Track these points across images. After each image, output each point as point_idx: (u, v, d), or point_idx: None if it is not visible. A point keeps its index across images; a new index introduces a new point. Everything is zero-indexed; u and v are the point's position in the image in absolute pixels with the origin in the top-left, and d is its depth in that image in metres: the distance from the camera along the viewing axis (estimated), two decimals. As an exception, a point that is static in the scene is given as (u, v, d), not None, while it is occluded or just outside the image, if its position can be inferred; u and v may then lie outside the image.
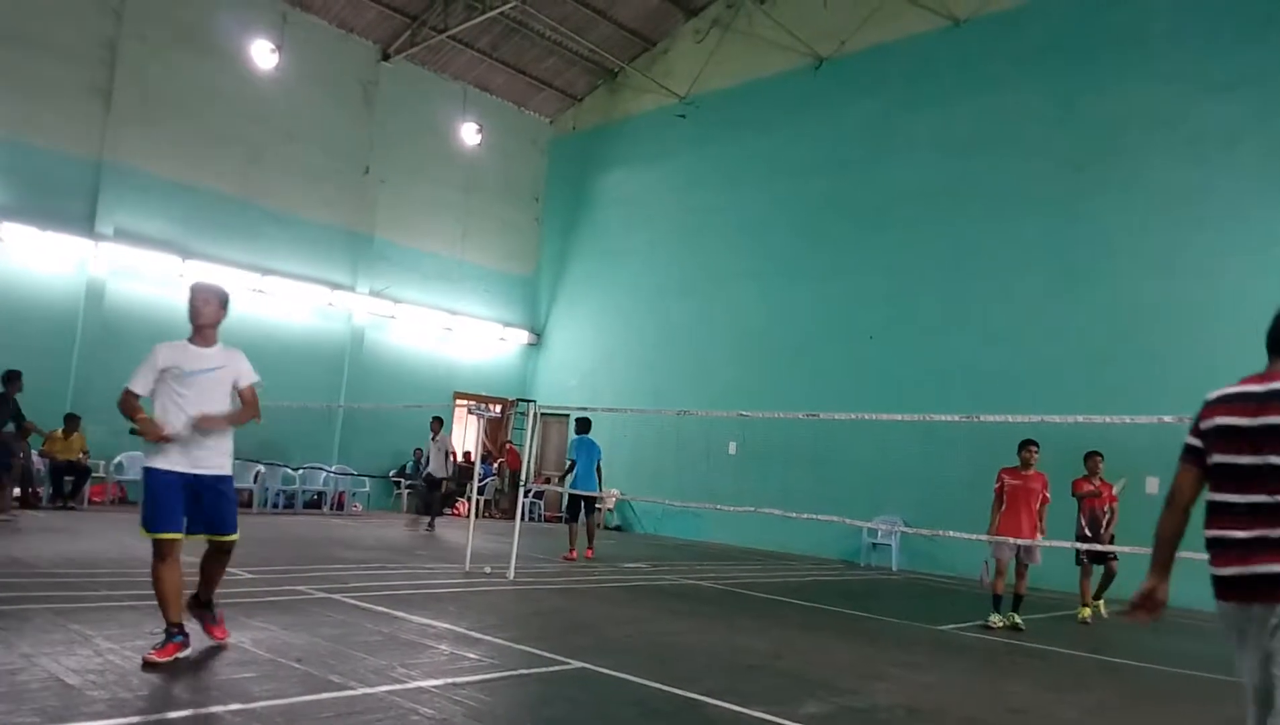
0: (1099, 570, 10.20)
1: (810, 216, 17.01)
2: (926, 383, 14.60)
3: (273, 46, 17.09)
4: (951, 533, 9.13)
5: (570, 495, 12.54)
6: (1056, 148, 14.11)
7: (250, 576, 8.09)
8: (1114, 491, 10.05)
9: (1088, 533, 9.85)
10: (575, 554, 12.01)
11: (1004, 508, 8.88)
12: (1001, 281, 14.40)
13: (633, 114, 20.75)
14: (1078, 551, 9.75)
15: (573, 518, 12.46)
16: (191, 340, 5.28)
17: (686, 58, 19.55)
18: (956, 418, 9.16)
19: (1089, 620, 9.96)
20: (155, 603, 4.92)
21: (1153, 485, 12.25)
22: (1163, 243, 12.95)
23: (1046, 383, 13.42)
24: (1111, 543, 9.81)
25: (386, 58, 18.98)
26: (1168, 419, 8.34)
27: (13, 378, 11.41)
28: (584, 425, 12.63)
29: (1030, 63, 14.61)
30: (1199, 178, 12.78)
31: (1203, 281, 12.54)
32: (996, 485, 9.03)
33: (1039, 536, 8.85)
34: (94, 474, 14.16)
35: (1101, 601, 10.29)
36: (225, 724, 3.84)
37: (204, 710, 3.98)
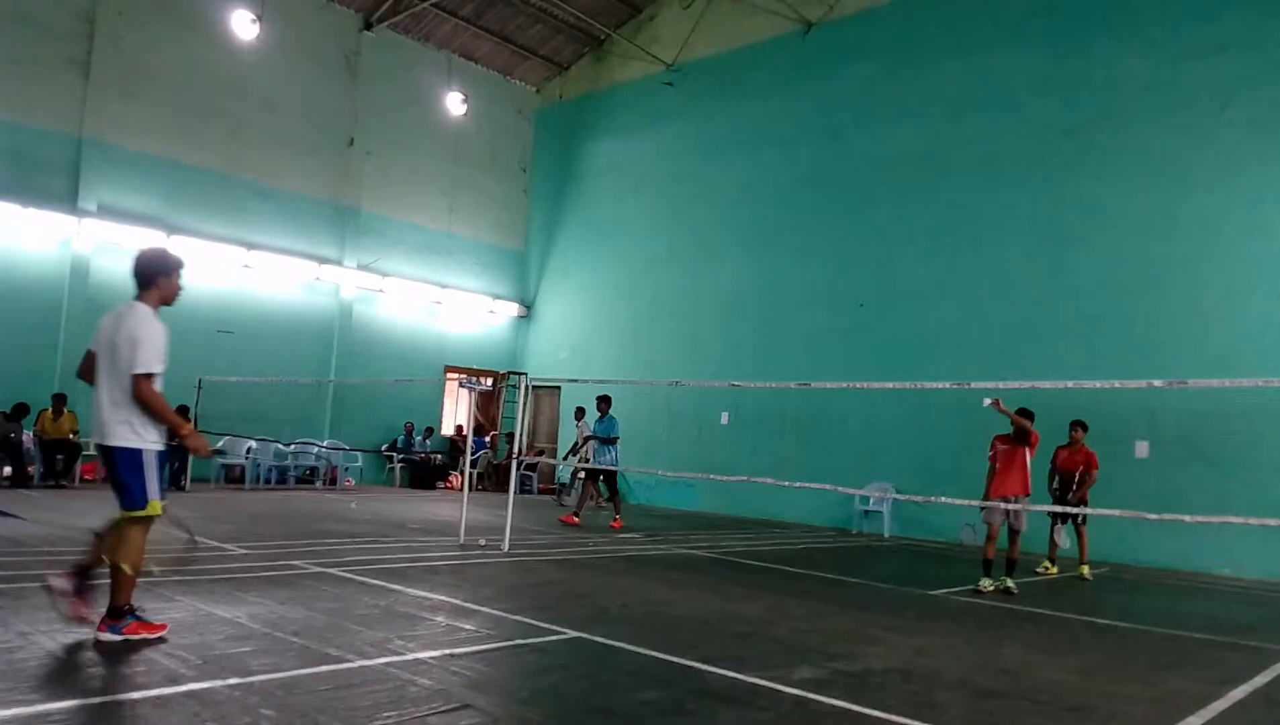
0: (1060, 530, 10.96)
1: (799, 183, 16.94)
2: (917, 350, 14.64)
3: (253, 17, 16.83)
4: (943, 499, 9.19)
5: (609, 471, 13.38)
6: (1046, 112, 14.06)
7: (244, 552, 8.10)
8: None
9: (1057, 493, 10.74)
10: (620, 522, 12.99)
11: (995, 473, 8.97)
12: (991, 247, 14.40)
13: (619, 82, 20.56)
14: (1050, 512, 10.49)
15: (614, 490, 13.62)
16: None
17: (673, 24, 19.35)
18: (947, 385, 9.19)
19: (1088, 577, 10.22)
20: (110, 582, 4.80)
21: (1142, 449, 12.38)
22: (1153, 206, 12.95)
23: (1037, 348, 13.49)
24: (1082, 503, 10.43)
25: (369, 26, 18.72)
26: (1158, 383, 8.40)
27: None
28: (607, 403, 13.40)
29: (1019, 27, 14.51)
30: (1189, 140, 12.76)
31: (1193, 244, 12.57)
32: (990, 453, 9.10)
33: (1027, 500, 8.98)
34: (84, 453, 14.11)
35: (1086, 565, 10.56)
36: (224, 698, 3.85)
37: (202, 685, 3.99)
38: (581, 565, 9.00)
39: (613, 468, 13.05)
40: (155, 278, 5.01)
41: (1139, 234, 13.02)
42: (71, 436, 13.66)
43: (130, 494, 4.81)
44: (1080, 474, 10.58)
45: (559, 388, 20.32)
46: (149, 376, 4.81)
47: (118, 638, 4.67)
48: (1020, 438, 8.89)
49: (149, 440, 4.87)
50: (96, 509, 10.53)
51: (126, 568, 4.78)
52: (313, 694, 4.05)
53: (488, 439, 19.71)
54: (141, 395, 4.77)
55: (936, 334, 14.65)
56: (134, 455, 4.81)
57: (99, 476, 14.57)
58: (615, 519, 13.11)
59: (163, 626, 4.87)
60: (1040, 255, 13.90)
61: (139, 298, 4.99)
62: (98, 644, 4.63)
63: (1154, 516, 7.79)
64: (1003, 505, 8.71)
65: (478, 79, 20.84)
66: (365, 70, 18.76)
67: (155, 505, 4.84)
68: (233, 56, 16.87)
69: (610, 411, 13.29)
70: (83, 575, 4.87)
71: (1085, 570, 10.49)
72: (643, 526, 13.45)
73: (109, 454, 4.84)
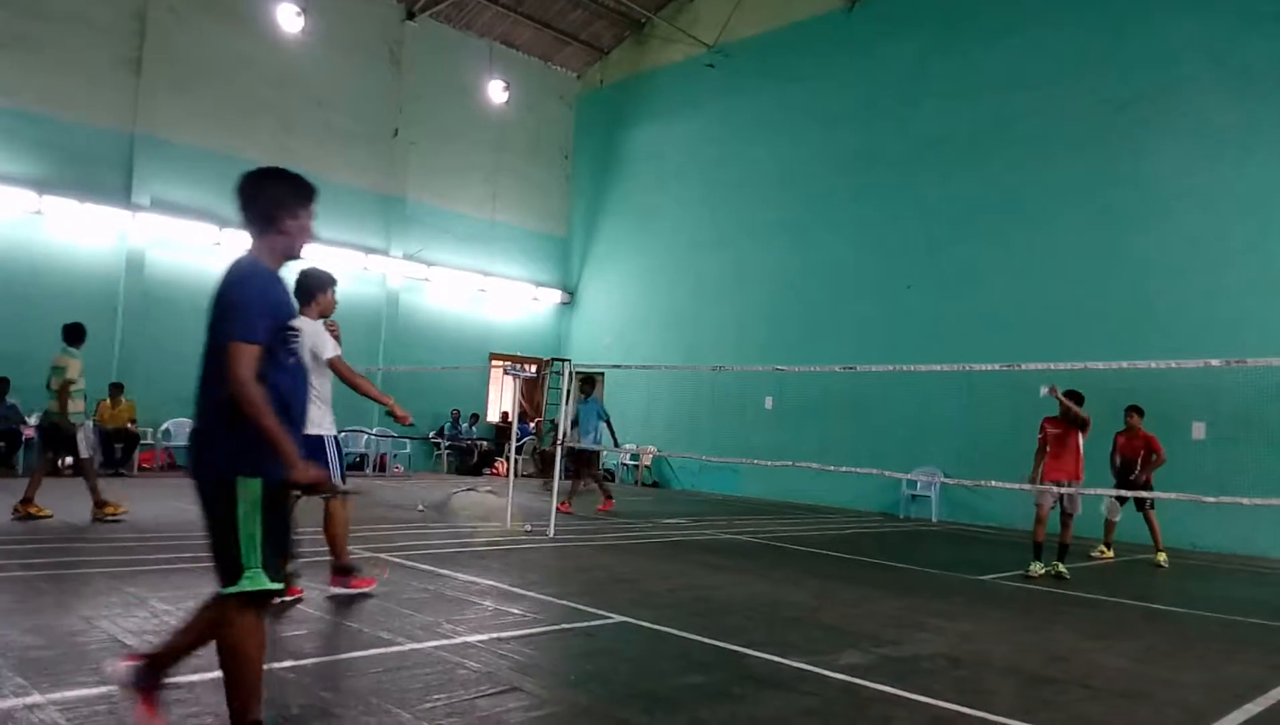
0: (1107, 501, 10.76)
1: (845, 164, 16.72)
2: (966, 332, 14.40)
3: (298, 10, 17.04)
4: (993, 483, 9.06)
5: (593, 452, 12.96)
6: (1099, 86, 13.69)
7: (295, 538, 8.25)
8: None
9: (1115, 479, 10.41)
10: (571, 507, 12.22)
11: (1046, 457, 8.82)
12: (1043, 226, 14.09)
13: (660, 66, 20.46)
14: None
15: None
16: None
17: (714, 5, 19.17)
18: (997, 367, 9.05)
19: (1165, 564, 9.95)
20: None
21: (1199, 431, 12.07)
22: (1210, 180, 12.57)
23: (1089, 328, 13.19)
24: (1146, 487, 10.08)
25: (411, 16, 18.84)
26: (1215, 363, 8.17)
27: None
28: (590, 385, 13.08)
29: (1070, -2, 14.14)
30: (1247, 112, 12.35)
31: (1252, 219, 12.19)
32: (1040, 436, 8.95)
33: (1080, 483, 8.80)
34: (142, 441, 14.50)
35: (1163, 553, 10.22)
36: (280, 681, 3.94)
37: (258, 668, 4.08)
38: (626, 550, 9.04)
39: (595, 447, 12.68)
40: (314, 294, 5.86)
41: (1197, 210, 12.64)
42: (130, 425, 14.03)
43: None
44: (1142, 458, 10.30)
45: (602, 374, 20.39)
46: (341, 356, 5.89)
47: (345, 592, 5.83)
48: (1072, 421, 8.73)
49: (326, 427, 5.76)
50: (157, 497, 10.84)
51: (339, 534, 5.84)
52: (366, 676, 4.14)
53: (532, 426, 19.85)
54: (343, 375, 5.90)
55: (986, 316, 14.40)
56: (318, 442, 5.61)
57: (157, 464, 14.99)
58: (604, 502, 12.77)
59: (372, 582, 6.01)
60: (1093, 234, 13.57)
61: (301, 312, 5.50)
62: (332, 598, 5.74)
63: (1211, 499, 7.60)
64: (1056, 489, 8.57)
65: (519, 66, 20.88)
66: (408, 60, 18.91)
67: (338, 485, 5.75)
68: (279, 50, 17.11)
69: (593, 394, 12.99)
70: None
71: (1162, 558, 10.04)
72: (687, 512, 13.46)
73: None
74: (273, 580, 2.93)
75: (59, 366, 8.93)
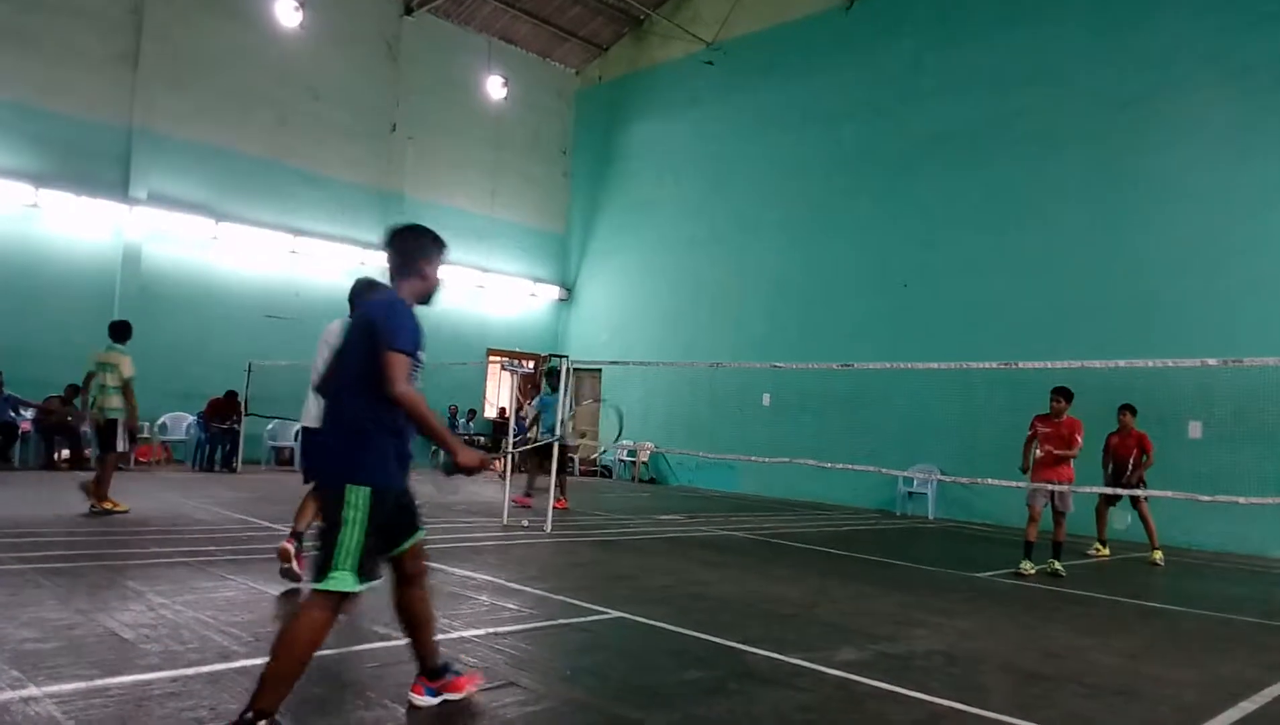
0: (1113, 512, 10.70)
1: (843, 162, 16.72)
2: (963, 330, 14.42)
3: (296, 4, 17.00)
4: (990, 480, 9.07)
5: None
6: (1099, 84, 13.69)
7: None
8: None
9: (1110, 479, 10.41)
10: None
11: (1038, 456, 8.80)
12: (1041, 224, 14.10)
13: (659, 62, 20.44)
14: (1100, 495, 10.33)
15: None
16: None
17: (714, 2, 19.16)
18: (994, 365, 9.06)
19: (1160, 562, 9.97)
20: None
21: (1195, 429, 12.09)
22: (1209, 180, 12.58)
23: (1087, 327, 13.20)
24: (1139, 486, 10.12)
25: (409, 11, 18.80)
26: (1212, 362, 8.19)
27: None
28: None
29: (1070, -4, 14.14)
30: (1249, 110, 12.36)
31: (1250, 219, 12.20)
32: (1030, 433, 8.94)
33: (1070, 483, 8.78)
34: (140, 436, 14.46)
35: (1159, 551, 10.23)
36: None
37: (254, 662, 4.08)
38: (623, 546, 9.04)
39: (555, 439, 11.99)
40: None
41: (1196, 209, 12.65)
42: (127, 420, 13.99)
43: None
44: (1135, 457, 10.35)
45: (600, 370, 20.39)
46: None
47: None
48: (1066, 425, 8.70)
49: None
50: (153, 491, 10.83)
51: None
52: (361, 670, 4.14)
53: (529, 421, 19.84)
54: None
55: (983, 313, 14.41)
56: None
57: (154, 459, 14.97)
58: (560, 499, 11.54)
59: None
60: (1092, 232, 13.58)
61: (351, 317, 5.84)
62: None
63: (1207, 498, 7.62)
64: (1047, 486, 8.57)
65: (518, 62, 20.85)
66: (406, 56, 18.87)
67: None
68: (277, 45, 17.07)
69: (554, 388, 12.08)
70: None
71: (1158, 555, 10.09)
72: (684, 508, 13.46)
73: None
74: (364, 582, 3.21)
75: (111, 363, 9.03)
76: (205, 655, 4.15)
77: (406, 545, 3.50)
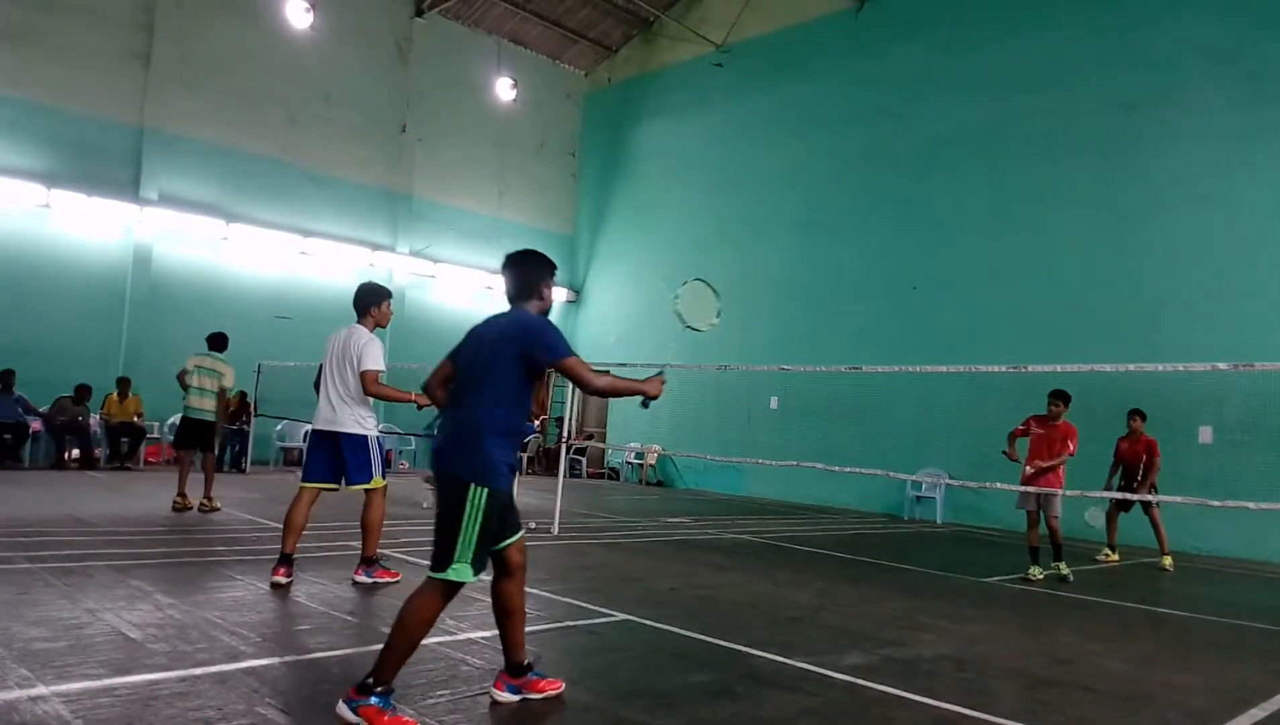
0: (1088, 513, 10.59)
1: (852, 165, 16.70)
2: (972, 333, 14.38)
3: (307, 5, 17.06)
4: (998, 485, 9.03)
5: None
6: (1106, 87, 13.66)
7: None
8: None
9: (1120, 486, 10.38)
10: None
11: (1028, 456, 8.71)
12: (1049, 227, 14.06)
13: (669, 64, 20.44)
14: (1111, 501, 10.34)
15: None
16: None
17: (723, 4, 19.16)
18: (1002, 368, 9.02)
19: (1169, 568, 9.90)
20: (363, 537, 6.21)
21: (1206, 434, 12.03)
22: (1217, 183, 12.53)
23: (1095, 331, 13.16)
24: (1150, 492, 10.07)
25: (420, 13, 18.86)
26: (1223, 367, 8.14)
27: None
28: None
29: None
30: (1255, 114, 12.32)
31: (1259, 222, 12.15)
32: (1021, 428, 8.84)
33: (1059, 488, 8.67)
34: (149, 435, 14.54)
35: (1168, 557, 10.16)
36: (283, 674, 3.95)
37: (261, 662, 4.10)
38: (630, 549, 9.04)
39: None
40: (369, 306, 6.14)
41: (1205, 213, 12.60)
42: (136, 419, 14.06)
43: (364, 470, 5.97)
44: (1144, 463, 10.28)
45: (608, 372, 20.37)
46: (377, 373, 5.95)
47: (368, 580, 6.05)
48: (1059, 429, 8.62)
49: (370, 428, 6.04)
50: (162, 491, 10.87)
51: (374, 523, 6.10)
52: (364, 671, 4.13)
53: (537, 423, 19.85)
54: (368, 388, 5.92)
55: (991, 317, 14.37)
56: (362, 441, 5.98)
57: (163, 457, 15.03)
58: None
59: (396, 574, 6.21)
60: (1099, 235, 13.53)
61: (359, 322, 6.14)
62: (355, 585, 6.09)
63: (1217, 503, 7.57)
64: (1033, 490, 8.48)
65: (527, 64, 20.89)
66: (416, 57, 18.92)
67: (379, 480, 6.03)
68: (288, 45, 17.14)
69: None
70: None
71: (1167, 561, 10.05)
72: (691, 511, 13.45)
73: (336, 439, 5.96)
74: (478, 573, 3.53)
75: (213, 370, 9.68)
76: (213, 655, 4.16)
77: (511, 541, 3.79)
